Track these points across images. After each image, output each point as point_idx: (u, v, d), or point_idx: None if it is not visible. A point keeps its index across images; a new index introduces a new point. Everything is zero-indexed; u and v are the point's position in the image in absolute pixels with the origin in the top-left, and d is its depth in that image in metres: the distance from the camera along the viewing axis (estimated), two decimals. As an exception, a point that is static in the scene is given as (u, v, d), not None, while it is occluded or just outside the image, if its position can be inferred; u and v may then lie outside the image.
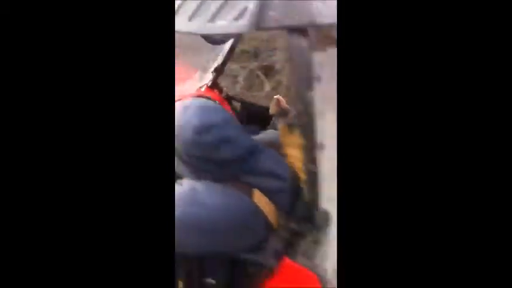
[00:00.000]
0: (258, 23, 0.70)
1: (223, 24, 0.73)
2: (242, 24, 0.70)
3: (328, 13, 0.76)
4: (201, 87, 1.49)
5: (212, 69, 1.53)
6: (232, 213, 0.89)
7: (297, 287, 0.92)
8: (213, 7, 0.72)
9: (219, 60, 1.55)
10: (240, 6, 0.70)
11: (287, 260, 0.90)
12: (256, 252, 0.90)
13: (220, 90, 1.53)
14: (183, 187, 0.92)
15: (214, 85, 1.53)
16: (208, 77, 1.53)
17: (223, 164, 0.93)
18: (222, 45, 1.52)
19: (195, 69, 1.69)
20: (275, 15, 0.70)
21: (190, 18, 0.76)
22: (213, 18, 0.73)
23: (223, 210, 0.89)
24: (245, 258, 0.92)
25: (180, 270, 0.96)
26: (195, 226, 0.87)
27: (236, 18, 0.71)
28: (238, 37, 1.54)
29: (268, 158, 0.96)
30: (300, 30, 0.75)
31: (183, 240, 0.81)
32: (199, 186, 0.92)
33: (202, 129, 0.90)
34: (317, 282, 0.87)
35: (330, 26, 0.77)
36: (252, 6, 0.69)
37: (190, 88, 1.53)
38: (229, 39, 1.40)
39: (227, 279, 0.95)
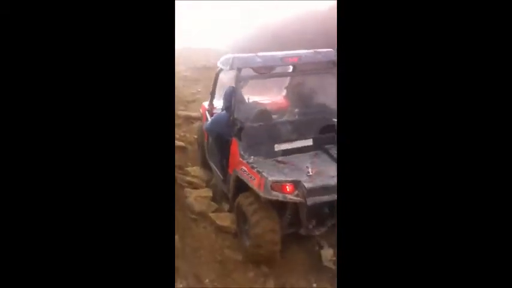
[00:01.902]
0: (232, 67, 3.17)
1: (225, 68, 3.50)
2: (228, 68, 3.29)
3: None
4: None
5: (284, 87, 4.25)
6: (224, 119, 3.28)
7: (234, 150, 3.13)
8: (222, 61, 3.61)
9: (287, 83, 4.13)
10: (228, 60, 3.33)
11: (233, 139, 3.11)
12: (228, 135, 3.20)
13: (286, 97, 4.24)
14: (219, 112, 3.64)
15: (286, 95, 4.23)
16: (283, 91, 4.28)
17: (227, 106, 3.36)
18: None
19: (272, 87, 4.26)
20: (237, 63, 3.16)
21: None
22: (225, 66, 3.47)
23: (223, 118, 3.34)
24: (227, 138, 3.24)
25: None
26: (214, 121, 3.50)
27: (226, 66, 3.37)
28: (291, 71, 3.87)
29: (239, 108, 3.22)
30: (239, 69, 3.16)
31: (210, 126, 3.59)
32: (221, 112, 3.54)
33: (224, 96, 3.49)
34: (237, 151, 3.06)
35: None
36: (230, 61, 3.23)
37: (276, 95, 4.26)
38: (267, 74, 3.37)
39: (221, 146, 3.45)
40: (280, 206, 2.74)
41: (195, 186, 3.98)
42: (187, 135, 5.70)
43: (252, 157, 2.91)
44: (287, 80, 4.15)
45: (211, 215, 3.37)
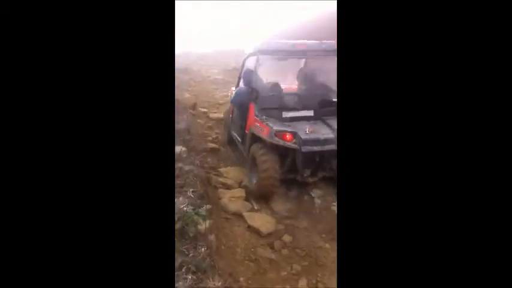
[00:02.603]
0: (255, 49, 4.39)
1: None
2: (252, 51, 4.58)
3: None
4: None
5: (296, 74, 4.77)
6: (245, 90, 4.31)
7: (251, 112, 4.15)
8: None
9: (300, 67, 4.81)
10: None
11: (251, 104, 4.17)
12: (247, 103, 4.24)
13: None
14: (240, 87, 4.56)
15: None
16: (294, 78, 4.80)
17: (247, 81, 4.25)
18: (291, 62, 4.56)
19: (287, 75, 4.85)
20: (259, 46, 4.28)
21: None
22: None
23: (243, 90, 4.35)
24: (246, 105, 4.25)
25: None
26: (236, 94, 4.54)
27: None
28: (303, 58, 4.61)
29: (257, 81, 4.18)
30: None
31: (234, 98, 4.64)
32: (242, 87, 4.45)
33: (243, 75, 4.47)
34: (253, 112, 4.05)
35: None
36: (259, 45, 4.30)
37: (290, 82, 4.73)
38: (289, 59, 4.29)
39: (242, 112, 4.45)
40: (282, 154, 3.65)
41: (227, 187, 4.11)
42: (220, 137, 5.86)
43: (264, 116, 3.83)
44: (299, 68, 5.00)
45: (245, 214, 3.48)
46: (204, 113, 6.97)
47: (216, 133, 6.05)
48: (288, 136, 3.44)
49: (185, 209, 2.82)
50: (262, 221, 3.37)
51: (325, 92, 4.19)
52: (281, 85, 4.47)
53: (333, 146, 3.43)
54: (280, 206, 3.75)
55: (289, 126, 3.65)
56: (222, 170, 4.59)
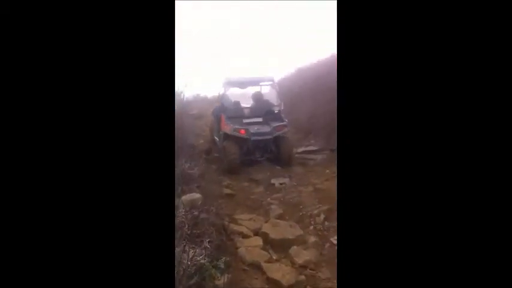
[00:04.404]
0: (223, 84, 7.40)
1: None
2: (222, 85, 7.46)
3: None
4: None
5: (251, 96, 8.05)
6: (219, 106, 7.10)
7: (222, 120, 7.11)
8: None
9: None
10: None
11: (222, 115, 7.02)
12: (220, 114, 7.11)
13: None
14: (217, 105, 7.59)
15: None
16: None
17: (220, 100, 7.40)
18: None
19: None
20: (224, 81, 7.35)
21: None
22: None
23: (218, 106, 7.13)
24: (219, 116, 7.15)
25: None
26: (214, 109, 7.37)
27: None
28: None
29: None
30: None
31: (213, 110, 7.55)
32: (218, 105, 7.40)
33: (219, 98, 7.50)
34: (223, 120, 7.02)
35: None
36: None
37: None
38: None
39: (217, 120, 7.26)
40: (240, 143, 6.24)
41: (244, 236, 3.98)
42: (234, 182, 5.80)
43: (230, 123, 6.34)
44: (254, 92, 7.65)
45: (263, 265, 3.32)
46: (218, 158, 6.97)
47: (231, 179, 6.00)
48: (242, 131, 6.17)
49: (202, 261, 2.70)
50: (281, 272, 3.20)
51: (269, 106, 6.87)
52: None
53: (269, 136, 6.21)
54: (300, 254, 3.58)
55: (246, 125, 6.33)
56: (237, 217, 4.48)
